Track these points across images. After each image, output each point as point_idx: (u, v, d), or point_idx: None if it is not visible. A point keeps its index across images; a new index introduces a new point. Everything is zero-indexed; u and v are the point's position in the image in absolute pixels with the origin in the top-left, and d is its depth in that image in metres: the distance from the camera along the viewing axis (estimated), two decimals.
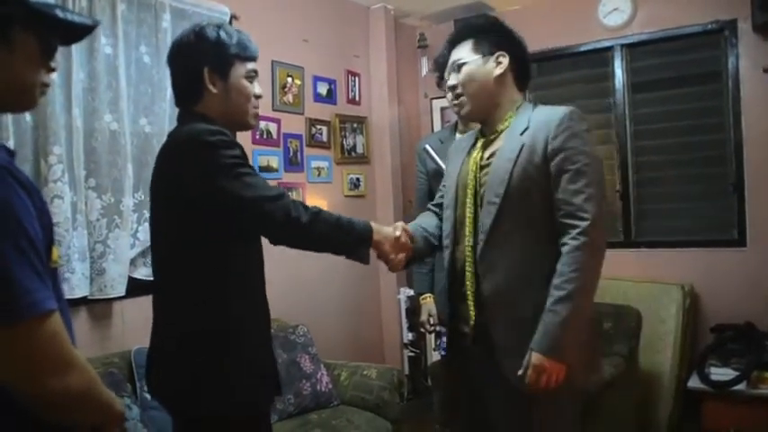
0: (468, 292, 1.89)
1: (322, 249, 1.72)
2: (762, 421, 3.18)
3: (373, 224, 1.79)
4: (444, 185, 2.14)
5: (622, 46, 4.03)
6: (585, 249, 1.72)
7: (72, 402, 1.06)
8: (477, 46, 1.92)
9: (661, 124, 3.96)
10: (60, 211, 2.48)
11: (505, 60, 1.90)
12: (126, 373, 2.54)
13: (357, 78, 4.27)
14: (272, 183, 3.47)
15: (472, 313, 1.89)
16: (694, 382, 3.40)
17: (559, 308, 1.71)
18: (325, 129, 3.97)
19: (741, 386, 3.25)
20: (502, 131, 1.91)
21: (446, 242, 2.01)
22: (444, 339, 2.87)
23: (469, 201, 1.91)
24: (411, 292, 4.06)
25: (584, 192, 1.74)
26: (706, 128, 3.83)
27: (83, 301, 2.63)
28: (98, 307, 2.72)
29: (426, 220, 2.16)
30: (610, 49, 4.08)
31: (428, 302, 2.91)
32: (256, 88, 1.73)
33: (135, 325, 2.75)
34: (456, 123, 2.95)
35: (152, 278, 1.80)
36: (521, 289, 1.81)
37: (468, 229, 1.90)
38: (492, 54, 1.90)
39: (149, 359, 1.68)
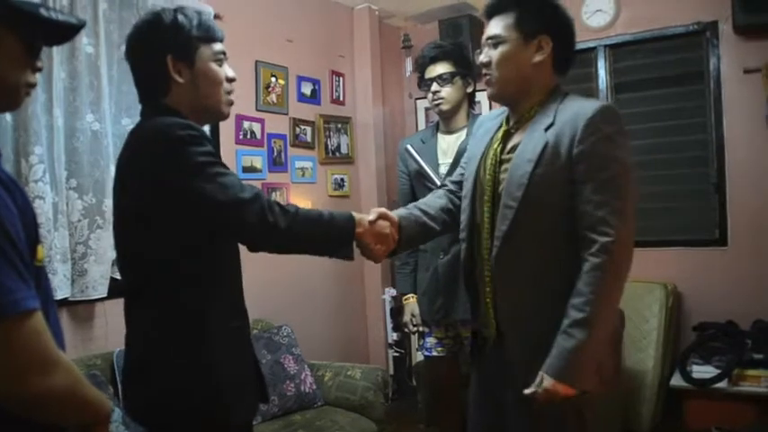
0: (488, 299, 1.79)
1: (303, 252, 1.63)
2: (743, 418, 3.23)
3: (355, 215, 1.68)
4: (466, 163, 1.97)
5: (606, 46, 4.07)
6: (607, 269, 1.57)
7: (56, 402, 1.03)
8: (521, 22, 1.70)
9: (644, 124, 3.99)
10: (42, 211, 2.47)
11: (548, 47, 1.70)
12: (108, 375, 2.54)
13: (341, 78, 4.28)
14: (255, 183, 3.51)
15: (493, 320, 1.78)
16: (677, 380, 3.45)
17: (576, 332, 1.57)
18: (309, 129, 3.97)
19: (722, 384, 3.29)
20: (527, 121, 1.75)
21: (462, 234, 1.87)
22: (428, 339, 2.90)
23: (487, 198, 1.77)
24: (395, 292, 4.06)
25: (610, 204, 1.58)
26: (688, 128, 3.87)
27: (64, 302, 2.62)
28: (80, 308, 2.71)
29: (431, 201, 2.01)
30: (593, 49, 4.11)
31: (411, 303, 2.93)
32: (228, 71, 1.60)
33: (117, 326, 2.68)
34: (437, 123, 2.96)
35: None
36: (537, 301, 1.69)
37: (485, 231, 1.77)
38: (534, 37, 1.70)
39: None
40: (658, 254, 3.88)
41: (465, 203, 1.88)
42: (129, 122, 2.87)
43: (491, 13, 1.77)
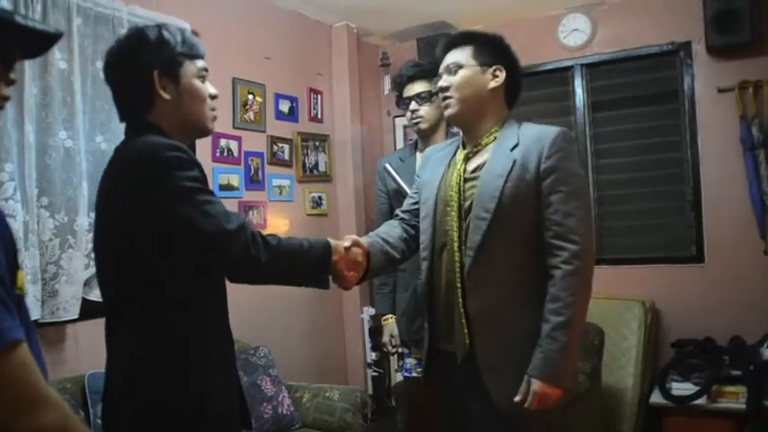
0: (460, 310, 1.85)
1: (281, 284, 1.65)
2: None
3: (331, 241, 1.70)
4: (417, 192, 2.10)
5: (582, 65, 4.12)
6: (580, 274, 1.75)
7: None
8: (477, 54, 1.90)
9: (621, 143, 4.04)
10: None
11: (502, 75, 1.90)
12: (79, 399, 2.46)
13: (319, 96, 4.25)
14: (232, 202, 3.48)
15: (465, 331, 1.84)
16: (656, 397, 3.45)
17: (559, 334, 1.72)
18: (286, 147, 3.94)
19: (701, 400, 3.31)
20: (486, 145, 1.91)
21: (424, 254, 1.97)
22: (407, 360, 2.86)
23: (453, 214, 1.87)
24: (374, 311, 4.01)
25: (575, 214, 1.76)
26: (664, 146, 3.92)
27: (34, 324, 2.54)
28: (50, 330, 2.63)
29: (389, 230, 2.07)
30: (570, 68, 4.16)
31: (390, 323, 2.90)
32: (210, 88, 1.60)
33: (89, 348, 2.67)
34: (416, 142, 2.94)
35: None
36: (509, 308, 1.81)
37: (455, 244, 1.86)
38: (490, 66, 1.89)
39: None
40: (636, 271, 3.91)
41: (426, 224, 1.98)
42: (103, 140, 2.82)
43: (448, 47, 1.96)
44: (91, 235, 2.71)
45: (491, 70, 1.89)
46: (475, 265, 1.80)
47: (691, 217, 3.82)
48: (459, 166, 1.91)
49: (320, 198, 4.20)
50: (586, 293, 1.80)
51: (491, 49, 1.91)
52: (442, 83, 1.93)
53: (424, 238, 1.97)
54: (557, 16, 4.14)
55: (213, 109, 1.62)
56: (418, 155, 2.86)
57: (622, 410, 3.50)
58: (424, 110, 2.75)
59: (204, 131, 1.63)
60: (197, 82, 1.56)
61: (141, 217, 1.41)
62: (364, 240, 1.95)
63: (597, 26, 4.05)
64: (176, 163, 1.41)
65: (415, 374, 2.82)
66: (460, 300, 1.84)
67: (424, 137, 2.83)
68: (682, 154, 3.86)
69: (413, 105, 2.77)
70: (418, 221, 2.05)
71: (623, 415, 3.50)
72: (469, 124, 1.94)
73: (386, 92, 4.69)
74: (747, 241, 3.62)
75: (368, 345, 4.27)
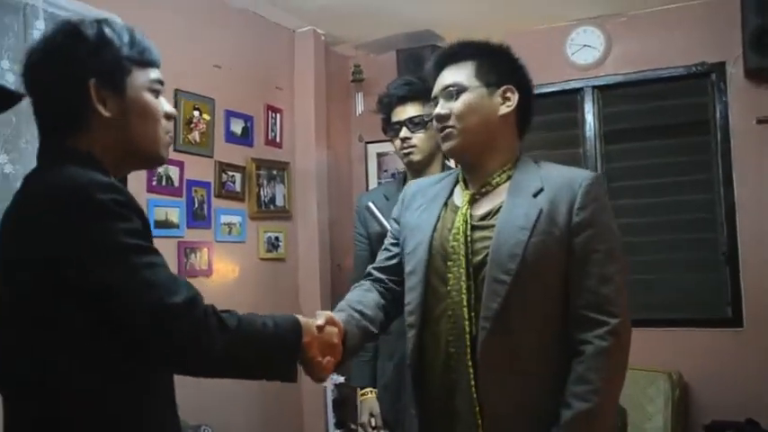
0: (473, 395, 1.70)
1: (237, 377, 1.54)
2: None
3: (301, 319, 1.56)
4: (395, 242, 1.99)
5: (594, 88, 4.11)
6: (616, 353, 1.65)
7: None
8: (481, 71, 1.79)
9: (638, 181, 4.01)
10: None
11: (514, 97, 1.79)
12: None
13: (278, 115, 4.14)
14: (170, 241, 3.24)
15: (479, 422, 1.69)
16: None
17: (581, 428, 1.61)
18: (238, 176, 3.81)
19: None
20: (498, 186, 1.80)
21: (410, 319, 1.83)
22: None
23: (458, 271, 1.74)
24: (340, 380, 3.90)
25: (614, 280, 1.68)
26: (692, 186, 3.90)
27: None
28: None
29: (362, 298, 1.95)
30: (579, 91, 4.16)
31: (369, 399, 2.79)
32: (166, 105, 1.47)
33: None
34: (404, 176, 2.83)
35: None
36: (530, 393, 1.68)
37: (463, 311, 1.72)
38: (498, 86, 1.78)
39: None
40: (659, 335, 3.81)
41: (414, 281, 1.84)
42: (8, 160, 2.62)
43: (443, 63, 1.85)
44: None
45: (500, 92, 1.79)
46: (491, 339, 1.67)
47: (725, 272, 3.77)
48: (463, 210, 1.80)
49: (277, 239, 4.07)
50: (620, 378, 1.70)
51: (498, 64, 1.82)
52: (439, 109, 1.81)
53: (412, 298, 1.83)
54: (564, 29, 4.14)
55: (169, 132, 1.49)
56: None
57: None
58: (418, 138, 2.66)
59: (157, 159, 1.51)
60: (148, 96, 1.42)
61: (56, 279, 1.23)
62: (341, 316, 1.81)
63: (612, 41, 4.04)
64: (112, 210, 1.25)
65: None
66: (473, 382, 1.70)
67: (416, 170, 2.72)
68: (713, 196, 3.84)
69: (404, 132, 2.68)
70: (398, 280, 1.95)
71: None
72: (475, 160, 1.84)
73: (358, 112, 4.64)
74: None
75: (331, 421, 4.13)
